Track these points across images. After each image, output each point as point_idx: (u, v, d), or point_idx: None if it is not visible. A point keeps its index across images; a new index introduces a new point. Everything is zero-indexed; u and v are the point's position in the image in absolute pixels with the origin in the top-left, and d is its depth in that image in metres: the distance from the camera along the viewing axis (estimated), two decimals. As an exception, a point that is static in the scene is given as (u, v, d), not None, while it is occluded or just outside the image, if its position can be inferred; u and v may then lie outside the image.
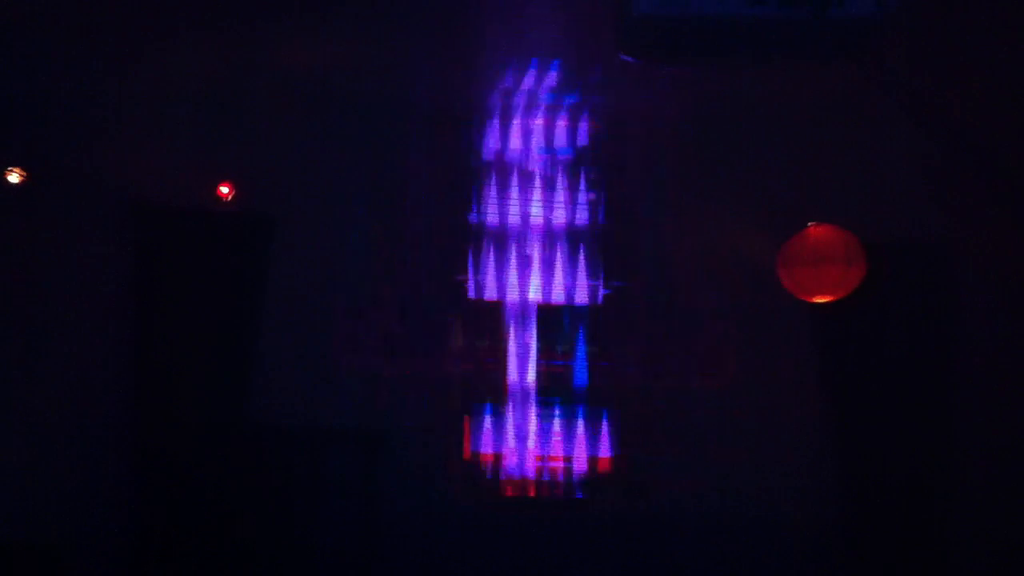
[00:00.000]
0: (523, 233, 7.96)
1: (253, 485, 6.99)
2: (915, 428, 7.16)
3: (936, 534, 7.13)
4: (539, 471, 7.74)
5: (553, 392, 7.85)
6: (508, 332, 7.85)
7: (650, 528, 7.37)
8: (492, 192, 7.90)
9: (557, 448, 7.80)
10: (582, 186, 7.96)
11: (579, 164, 7.95)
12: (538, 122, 7.89)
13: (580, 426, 7.82)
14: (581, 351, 7.91)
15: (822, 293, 5.99)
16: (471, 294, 7.91)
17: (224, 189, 6.79)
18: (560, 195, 7.92)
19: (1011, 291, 6.89)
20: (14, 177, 6.67)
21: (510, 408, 7.78)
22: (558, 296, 7.94)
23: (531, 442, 7.75)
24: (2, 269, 7.01)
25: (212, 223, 7.07)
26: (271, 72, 6.70)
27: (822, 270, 5.90)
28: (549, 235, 7.98)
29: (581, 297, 7.95)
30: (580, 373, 7.89)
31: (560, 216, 7.96)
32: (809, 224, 5.95)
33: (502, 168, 7.90)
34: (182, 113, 7.02)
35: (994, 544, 6.97)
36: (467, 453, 7.71)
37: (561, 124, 7.89)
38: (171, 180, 6.92)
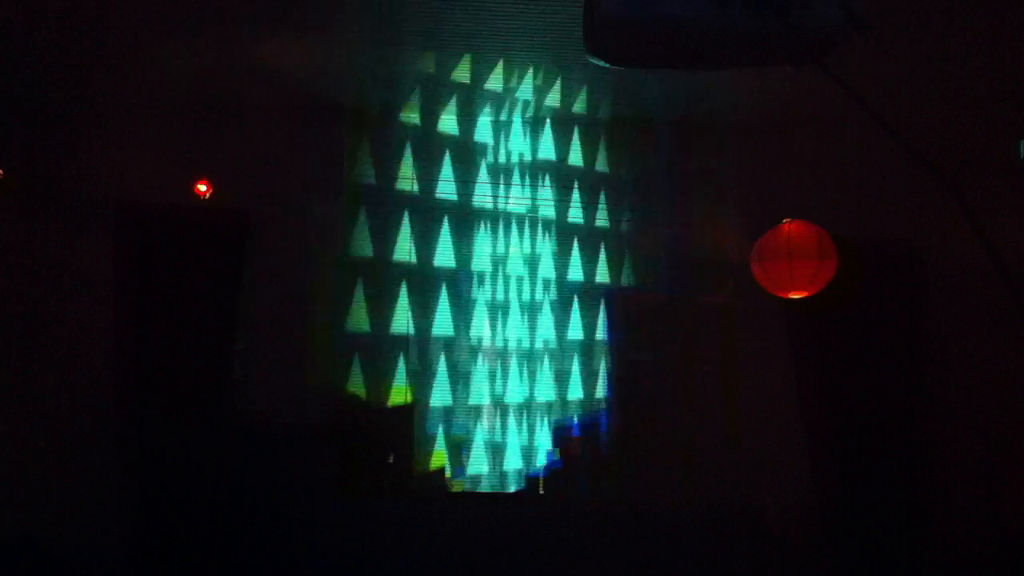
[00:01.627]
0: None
1: (242, 483, 7.01)
2: (891, 427, 7.19)
3: (921, 536, 7.15)
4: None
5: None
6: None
7: (640, 526, 7.40)
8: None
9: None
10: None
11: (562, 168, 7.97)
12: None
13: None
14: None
15: (795, 288, 6.06)
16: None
17: (202, 187, 6.83)
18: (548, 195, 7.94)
19: (978, 290, 6.93)
20: (-9, 175, 6.69)
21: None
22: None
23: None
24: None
25: (194, 220, 7.02)
26: (252, 74, 6.68)
27: (795, 266, 5.97)
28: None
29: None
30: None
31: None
32: (784, 220, 6.03)
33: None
34: (161, 112, 7.02)
35: (978, 542, 7.03)
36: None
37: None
38: (149, 177, 6.94)
